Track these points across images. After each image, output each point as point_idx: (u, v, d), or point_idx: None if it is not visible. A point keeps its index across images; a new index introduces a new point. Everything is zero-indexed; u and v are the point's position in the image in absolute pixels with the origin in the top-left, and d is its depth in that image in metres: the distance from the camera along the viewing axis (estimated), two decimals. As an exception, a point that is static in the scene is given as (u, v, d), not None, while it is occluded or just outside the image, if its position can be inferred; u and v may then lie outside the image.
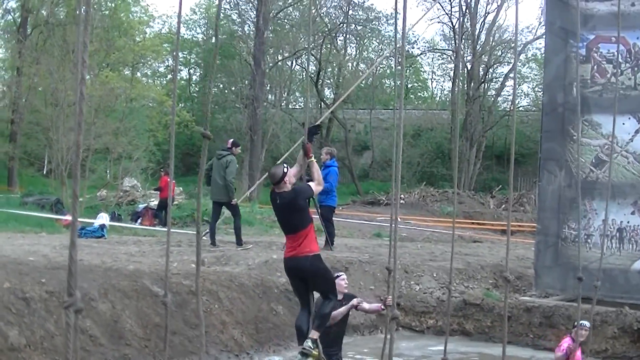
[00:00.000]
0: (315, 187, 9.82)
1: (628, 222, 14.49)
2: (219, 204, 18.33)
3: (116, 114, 34.29)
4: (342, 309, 10.26)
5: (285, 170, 9.64)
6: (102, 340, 10.87)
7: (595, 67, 14.73)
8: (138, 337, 11.38)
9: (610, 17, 14.27)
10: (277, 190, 9.66)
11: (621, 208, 14.36)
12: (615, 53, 14.22)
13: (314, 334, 9.48)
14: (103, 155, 33.37)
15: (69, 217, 22.93)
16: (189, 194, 34.39)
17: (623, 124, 14.12)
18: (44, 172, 39.42)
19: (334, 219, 19.82)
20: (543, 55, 19.90)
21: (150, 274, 13.05)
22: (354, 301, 10.47)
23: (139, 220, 26.16)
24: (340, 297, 10.22)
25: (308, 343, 9.41)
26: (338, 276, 10.59)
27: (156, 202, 27.65)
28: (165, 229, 13.42)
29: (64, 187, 27.97)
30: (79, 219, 4.99)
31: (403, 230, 26.44)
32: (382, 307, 10.28)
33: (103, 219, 21.91)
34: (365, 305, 10.78)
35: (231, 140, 19.37)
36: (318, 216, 18.99)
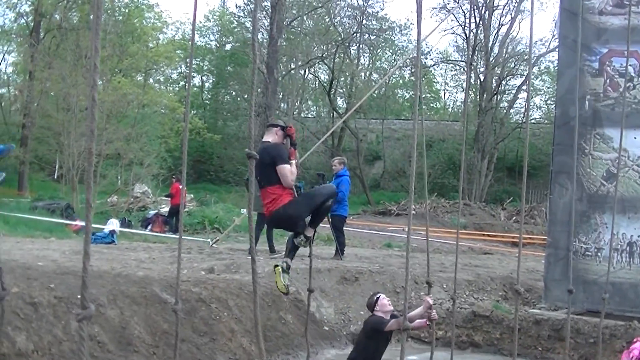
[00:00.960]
0: (285, 173, 9.18)
1: (639, 236, 14.45)
2: (262, 214, 18.32)
3: (128, 120, 34.39)
4: (393, 322, 9.73)
5: (282, 124, 9.46)
6: (110, 346, 10.86)
7: (607, 80, 14.70)
8: (146, 344, 11.37)
9: (623, 31, 14.24)
10: (265, 139, 9.49)
11: (632, 222, 14.32)
12: (629, 67, 14.20)
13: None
14: (114, 161, 33.46)
15: (79, 223, 22.98)
16: (200, 201, 34.45)
17: (635, 138, 14.09)
18: (55, 177, 39.52)
19: (344, 228, 19.82)
20: (556, 68, 19.86)
21: (159, 281, 13.05)
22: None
23: (149, 227, 26.21)
24: (387, 317, 9.98)
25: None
26: (378, 297, 10.32)
27: (167, 209, 27.71)
28: (176, 236, 13.44)
29: (75, 192, 28.04)
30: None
31: (413, 242, 26.40)
32: (428, 322, 9.96)
33: (113, 224, 21.95)
34: (416, 323, 10.03)
35: None
36: (329, 225, 19.02)
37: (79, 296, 10.61)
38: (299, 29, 49.72)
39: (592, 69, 14.82)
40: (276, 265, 9.43)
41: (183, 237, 19.76)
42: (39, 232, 20.96)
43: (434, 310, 9.87)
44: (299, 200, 9.11)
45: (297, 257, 17.52)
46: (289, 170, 8.91)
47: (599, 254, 14.90)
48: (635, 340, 10.95)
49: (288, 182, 8.89)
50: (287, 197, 9.02)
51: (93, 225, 21.89)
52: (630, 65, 14.13)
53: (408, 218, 5.39)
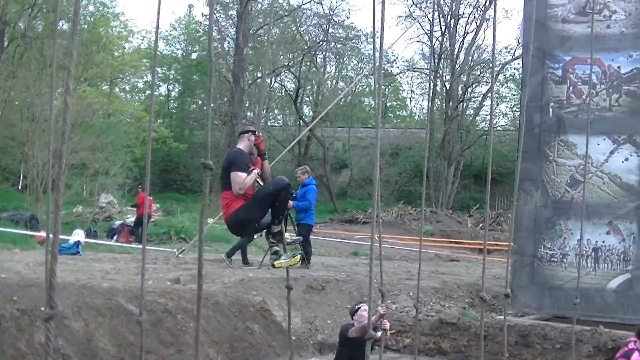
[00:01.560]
0: (235, 180, 9.03)
1: (603, 241, 14.54)
2: None
3: (93, 130, 34.13)
4: (354, 329, 9.94)
5: (252, 130, 9.41)
6: (75, 359, 10.77)
7: (571, 88, 14.81)
8: (112, 355, 11.28)
9: (586, 39, 14.36)
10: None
11: (596, 228, 14.41)
12: (591, 74, 14.31)
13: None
14: (79, 171, 33.19)
15: (43, 234, 22.76)
16: (166, 211, 34.28)
17: (598, 144, 14.20)
18: (19, 188, 39.18)
19: (311, 237, 19.82)
20: (521, 75, 19.99)
21: (125, 292, 12.95)
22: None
23: (115, 237, 26.05)
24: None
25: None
26: (359, 308, 10.38)
27: (133, 219, 27.54)
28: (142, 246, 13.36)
29: (39, 203, 27.78)
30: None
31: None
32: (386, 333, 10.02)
33: (78, 235, 21.74)
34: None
35: None
36: (295, 234, 18.97)
37: (42, 308, 10.49)
38: (265, 37, 49.73)
39: (555, 77, 14.92)
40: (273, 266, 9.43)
41: (149, 247, 19.65)
42: (2, 244, 20.70)
43: (386, 320, 9.93)
44: (248, 203, 9.04)
45: (262, 266, 17.49)
46: (240, 178, 8.78)
47: (565, 259, 14.99)
48: (629, 341, 10.87)
49: (236, 190, 8.73)
50: (238, 203, 8.95)
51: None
52: (593, 72, 14.24)
53: (372, 226, 5.38)
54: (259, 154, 9.08)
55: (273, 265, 9.11)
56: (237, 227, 9.05)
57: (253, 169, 8.76)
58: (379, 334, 9.56)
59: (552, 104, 14.86)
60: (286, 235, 9.23)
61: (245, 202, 8.84)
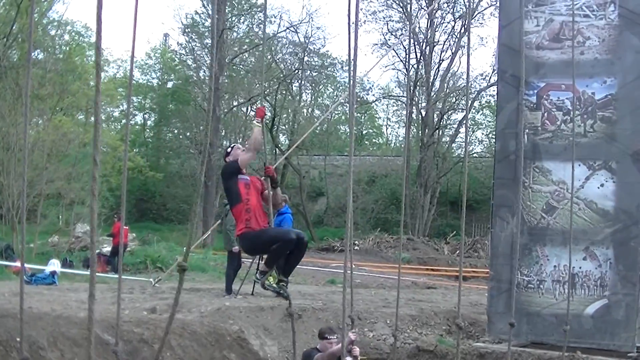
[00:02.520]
0: (244, 154, 9.54)
1: (580, 267, 14.58)
2: (231, 252, 18.27)
3: (69, 159, 33.98)
4: (318, 356, 10.02)
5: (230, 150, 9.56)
6: (51, 389, 10.68)
7: (545, 114, 14.90)
8: (88, 386, 11.17)
9: (560, 65, 14.48)
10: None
11: (573, 254, 14.44)
12: (565, 100, 14.41)
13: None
14: (55, 201, 33.03)
15: (19, 264, 22.62)
16: (142, 240, 34.15)
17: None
18: (-5, 217, 38.95)
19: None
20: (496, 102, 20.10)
21: (101, 322, 12.85)
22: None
23: (91, 267, 25.89)
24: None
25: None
26: (325, 335, 10.36)
27: (109, 249, 27.41)
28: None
29: (15, 233, 27.60)
30: (29, 266, 4.91)
31: (357, 277, 26.39)
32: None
33: (54, 265, 21.63)
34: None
35: None
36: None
37: (18, 339, 10.41)
38: (241, 66, 49.81)
39: (530, 103, 15.01)
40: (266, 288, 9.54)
41: (125, 276, 19.58)
42: (-23, 275, 20.59)
43: (357, 347, 9.94)
44: (250, 235, 9.12)
45: (240, 296, 17.44)
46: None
47: (541, 286, 15.02)
48: None
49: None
50: (240, 225, 9.12)
51: (34, 266, 21.62)
52: (567, 98, 14.34)
53: (345, 254, 5.39)
54: (272, 183, 9.16)
55: (263, 285, 9.26)
56: (248, 247, 9.24)
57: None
58: None
59: (527, 130, 14.94)
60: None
61: (247, 233, 8.93)
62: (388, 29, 52.07)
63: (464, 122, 51.00)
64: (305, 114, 56.46)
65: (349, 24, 10.19)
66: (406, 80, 54.22)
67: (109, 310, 14.38)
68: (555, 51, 14.85)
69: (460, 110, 52.68)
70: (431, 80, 52.43)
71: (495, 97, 17.72)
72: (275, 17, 50.83)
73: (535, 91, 14.98)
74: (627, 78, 14.13)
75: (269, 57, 48.33)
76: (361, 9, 47.18)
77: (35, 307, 13.86)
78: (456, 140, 54.97)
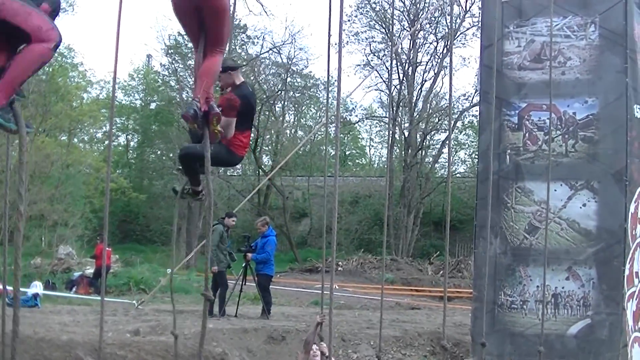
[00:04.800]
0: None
1: (563, 287, 14.60)
2: (221, 273, 18.31)
3: (52, 181, 33.92)
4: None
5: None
6: (33, 413, 10.61)
7: (527, 134, 14.95)
8: (70, 409, 11.13)
9: (541, 86, 14.53)
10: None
11: (555, 274, 14.47)
12: (547, 120, 14.46)
13: None
14: (38, 222, 32.92)
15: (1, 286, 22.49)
16: (126, 262, 34.05)
17: (555, 190, 14.30)
18: (-23, 240, 38.70)
19: (271, 287, 19.81)
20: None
21: (84, 345, 12.82)
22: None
23: (74, 289, 25.82)
24: None
25: None
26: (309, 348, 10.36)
27: (92, 270, 27.33)
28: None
29: (-5, 256, 27.45)
30: (11, 288, 4.88)
31: (341, 298, 26.37)
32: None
33: (36, 287, 21.55)
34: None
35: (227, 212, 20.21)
36: (255, 285, 19.01)
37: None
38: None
39: (511, 124, 15.06)
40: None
41: (108, 298, 19.50)
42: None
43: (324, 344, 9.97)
44: None
45: (223, 319, 17.39)
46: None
47: (525, 306, 15.02)
48: None
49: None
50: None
51: (15, 289, 21.53)
52: (547, 118, 14.39)
53: (328, 274, 5.40)
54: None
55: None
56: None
57: None
58: None
59: (509, 151, 14.98)
60: None
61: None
62: (371, 50, 52.30)
63: (447, 142, 51.16)
64: (288, 135, 56.47)
65: (328, 44, 10.25)
66: (389, 101, 54.36)
67: (92, 332, 14.33)
68: (536, 71, 14.91)
69: (443, 131, 52.87)
70: (414, 100, 52.60)
71: (478, 117, 17.76)
72: (258, 39, 51.03)
73: (517, 111, 15.03)
74: (609, 98, 14.19)
75: (252, 78, 48.41)
76: (344, 30, 47.34)
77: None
78: (439, 160, 55.13)
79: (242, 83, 8.44)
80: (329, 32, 11.06)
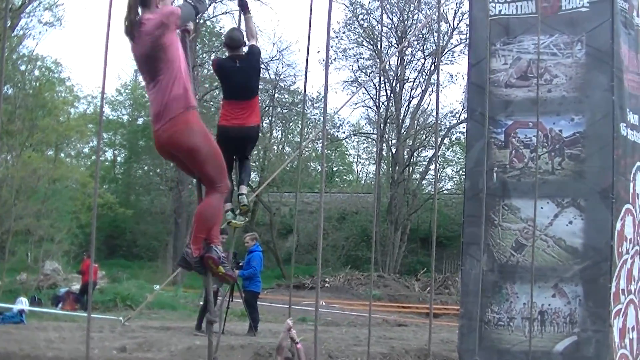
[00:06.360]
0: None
1: (549, 304, 14.62)
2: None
3: (38, 196, 33.78)
4: None
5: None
6: None
7: (513, 152, 14.99)
8: None
9: (527, 103, 14.59)
10: (234, 54, 9.74)
11: (542, 291, 14.50)
12: (533, 138, 14.52)
13: (244, 189, 9.93)
14: (24, 238, 32.78)
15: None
16: (112, 278, 33.95)
17: (542, 208, 14.33)
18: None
19: (258, 303, 19.79)
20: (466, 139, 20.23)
21: (69, 361, 12.77)
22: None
23: (60, 305, 25.70)
24: None
25: (243, 198, 9.88)
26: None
27: (78, 286, 27.23)
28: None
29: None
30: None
31: (328, 315, 26.34)
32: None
33: (22, 304, 21.45)
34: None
35: None
36: (242, 301, 18.97)
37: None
38: (211, 102, 49.82)
39: (498, 141, 15.10)
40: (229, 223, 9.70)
41: (94, 315, 19.44)
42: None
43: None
44: None
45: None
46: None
47: (511, 323, 15.04)
48: None
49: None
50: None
51: (1, 305, 21.40)
52: (534, 136, 14.44)
53: (316, 291, 5.41)
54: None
55: (228, 224, 9.39)
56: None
57: None
58: None
59: (495, 168, 15.02)
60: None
61: None
62: (358, 67, 52.42)
63: (434, 159, 51.26)
64: (275, 151, 56.46)
65: (306, 59, 10.31)
66: (376, 118, 54.48)
67: (78, 349, 14.27)
68: (522, 89, 14.97)
69: (430, 148, 52.98)
70: (401, 117, 52.72)
71: (465, 134, 17.80)
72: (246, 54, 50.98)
73: (504, 129, 15.08)
74: (596, 116, 14.25)
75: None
76: (332, 47, 47.47)
77: (2, 347, 13.73)
78: (426, 177, 55.27)
79: None
80: (308, 48, 11.13)
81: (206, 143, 6.65)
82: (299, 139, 56.23)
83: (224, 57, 9.95)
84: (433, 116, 51.64)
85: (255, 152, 54.60)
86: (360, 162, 70.54)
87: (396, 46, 50.67)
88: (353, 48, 52.14)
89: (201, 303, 19.40)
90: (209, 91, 49.04)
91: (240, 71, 9.49)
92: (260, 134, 10.59)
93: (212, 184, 6.84)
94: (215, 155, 6.71)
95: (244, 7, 9.79)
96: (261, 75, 9.81)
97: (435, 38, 48.82)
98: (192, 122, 6.61)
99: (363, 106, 54.23)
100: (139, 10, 6.63)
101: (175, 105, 6.52)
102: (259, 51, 9.83)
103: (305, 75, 12.87)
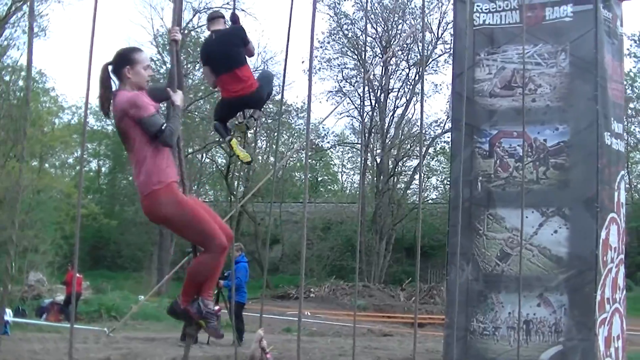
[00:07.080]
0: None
1: (534, 314, 14.63)
2: None
3: (22, 206, 33.68)
4: None
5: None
6: None
7: (498, 161, 15.01)
8: None
9: (512, 113, 14.61)
10: (212, 28, 9.88)
11: (527, 300, 14.51)
12: (517, 147, 14.54)
13: (257, 113, 10.69)
14: (7, 248, 32.62)
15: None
16: (96, 289, 33.82)
17: (527, 217, 14.33)
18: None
19: (243, 314, 19.74)
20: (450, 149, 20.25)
21: (53, 373, 12.71)
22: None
23: (44, 316, 25.59)
24: None
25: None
26: None
27: (62, 297, 27.11)
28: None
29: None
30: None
31: (313, 325, 26.30)
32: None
33: (6, 315, 21.32)
34: None
35: None
36: (227, 312, 18.90)
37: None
38: (196, 113, 49.77)
39: (483, 151, 15.12)
40: (230, 140, 9.87)
41: (79, 326, 19.35)
42: None
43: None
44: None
45: (195, 346, 17.28)
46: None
47: (497, 333, 15.04)
48: None
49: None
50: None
51: (-16, 316, 21.30)
52: (518, 145, 14.47)
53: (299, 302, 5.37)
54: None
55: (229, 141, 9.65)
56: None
57: None
58: None
59: (480, 178, 15.04)
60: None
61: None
62: (343, 77, 52.45)
63: (419, 168, 51.30)
64: (260, 161, 56.41)
65: (284, 68, 10.35)
66: (361, 127, 54.53)
67: (62, 360, 14.21)
68: (507, 99, 15.00)
69: (415, 157, 53.05)
70: (386, 127, 52.75)
71: (450, 144, 17.83)
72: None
73: (488, 139, 15.10)
74: (580, 125, 14.29)
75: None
76: (316, 57, 47.52)
77: (-14, 358, 13.65)
78: (411, 186, 55.30)
79: None
80: (286, 57, 11.18)
81: (179, 212, 6.64)
82: (283, 149, 56.33)
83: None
84: (418, 126, 51.68)
85: (239, 162, 54.51)
86: (344, 172, 70.61)
87: (381, 56, 50.78)
88: (337, 58, 52.22)
89: None
90: (194, 102, 48.97)
91: (216, 42, 9.69)
92: (245, 144, 10.69)
93: (202, 246, 6.86)
94: (192, 222, 6.68)
95: (235, 22, 9.92)
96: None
97: (420, 48, 48.97)
98: (160, 198, 6.71)
99: (347, 116, 54.27)
100: (113, 83, 7.13)
101: (143, 187, 6.81)
102: (241, 27, 9.93)
103: (283, 83, 12.91)
